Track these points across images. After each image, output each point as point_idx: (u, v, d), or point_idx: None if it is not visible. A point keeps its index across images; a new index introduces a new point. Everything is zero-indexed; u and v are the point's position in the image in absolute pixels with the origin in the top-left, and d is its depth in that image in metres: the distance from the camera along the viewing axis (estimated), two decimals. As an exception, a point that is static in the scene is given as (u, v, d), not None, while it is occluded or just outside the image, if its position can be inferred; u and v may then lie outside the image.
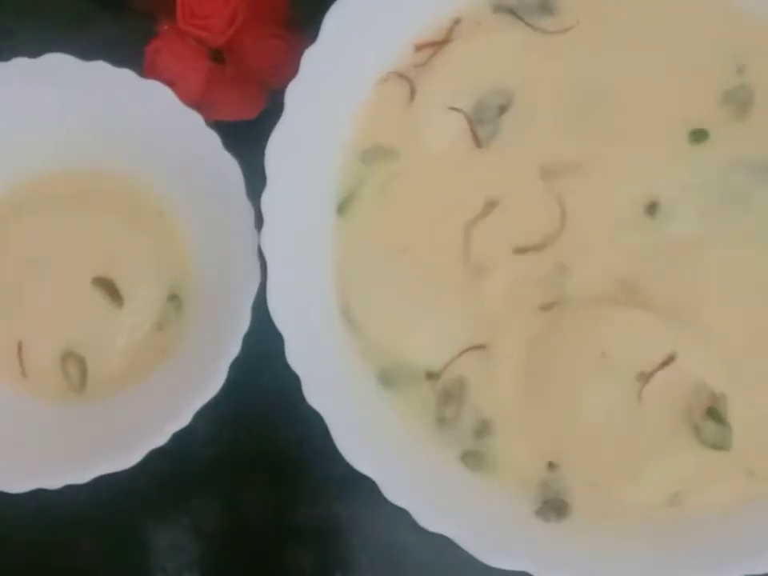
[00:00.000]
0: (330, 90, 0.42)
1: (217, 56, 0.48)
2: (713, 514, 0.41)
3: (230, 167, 0.43)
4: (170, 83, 0.43)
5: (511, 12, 0.45)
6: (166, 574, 0.47)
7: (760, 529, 0.40)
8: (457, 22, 0.45)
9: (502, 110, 0.44)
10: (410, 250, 0.43)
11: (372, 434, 0.41)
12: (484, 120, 0.44)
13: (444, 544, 0.39)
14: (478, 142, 0.44)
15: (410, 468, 0.41)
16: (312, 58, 0.40)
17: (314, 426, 0.39)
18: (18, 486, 0.40)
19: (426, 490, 0.40)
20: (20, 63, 0.43)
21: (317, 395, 0.39)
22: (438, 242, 0.43)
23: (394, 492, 0.39)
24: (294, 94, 0.40)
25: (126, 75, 0.43)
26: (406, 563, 0.47)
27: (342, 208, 0.44)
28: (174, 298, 0.45)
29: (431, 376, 0.43)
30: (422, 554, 0.46)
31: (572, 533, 0.41)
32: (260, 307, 0.40)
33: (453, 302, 0.43)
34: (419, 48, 0.44)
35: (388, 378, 0.43)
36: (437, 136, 0.44)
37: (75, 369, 0.44)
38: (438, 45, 0.44)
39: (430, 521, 0.38)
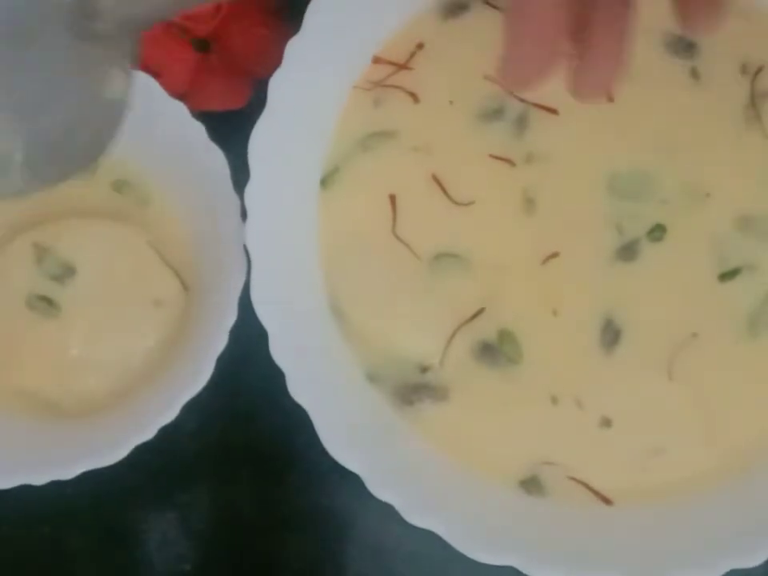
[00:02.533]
0: (314, 81, 0.41)
1: (202, 45, 0.47)
2: (700, 502, 0.41)
3: (216, 159, 0.42)
4: (154, 73, 0.43)
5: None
6: (153, 568, 0.47)
7: (747, 522, 0.40)
8: (420, 46, 0.44)
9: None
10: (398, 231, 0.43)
11: (357, 428, 0.40)
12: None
13: (432, 536, 0.38)
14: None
15: (395, 463, 0.40)
16: (295, 49, 0.40)
17: (301, 419, 0.39)
18: (2, 482, 0.40)
19: (412, 484, 0.40)
20: (2, 55, 0.43)
21: (301, 390, 0.39)
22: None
23: (380, 487, 0.38)
24: (277, 85, 0.40)
25: (110, 66, 0.43)
26: (394, 555, 0.47)
27: (326, 183, 0.44)
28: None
29: (425, 369, 0.43)
30: (411, 546, 0.46)
31: (558, 524, 0.41)
32: (247, 299, 0.40)
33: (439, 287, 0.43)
34: (378, 61, 0.44)
35: (375, 372, 0.42)
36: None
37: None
38: (396, 66, 0.44)
39: (415, 516, 0.38)
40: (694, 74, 0.44)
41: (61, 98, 0.34)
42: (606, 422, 0.42)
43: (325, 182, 0.44)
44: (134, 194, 0.45)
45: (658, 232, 0.43)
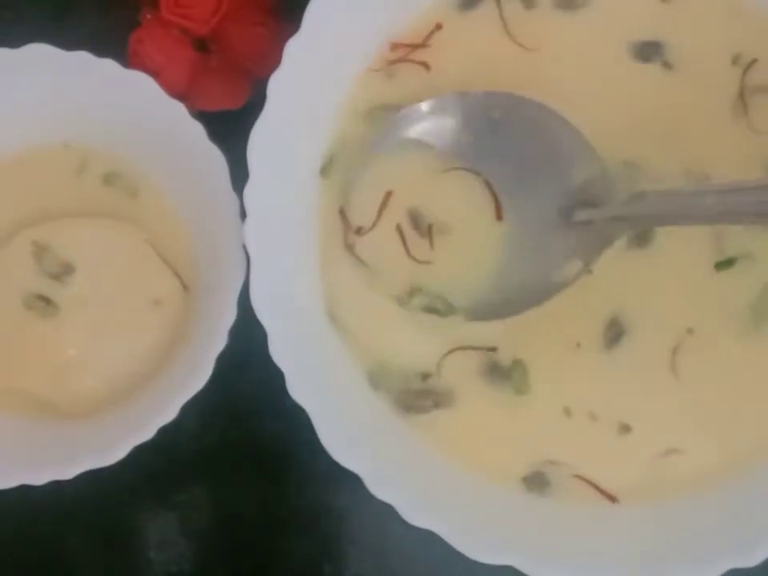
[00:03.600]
0: (313, 81, 0.41)
1: (201, 45, 0.47)
2: (700, 502, 0.41)
3: (215, 158, 0.42)
4: (153, 73, 0.43)
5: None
6: (152, 568, 0.47)
7: (747, 521, 0.40)
8: (438, 27, 0.44)
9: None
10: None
11: (357, 429, 0.40)
12: None
13: (432, 536, 0.38)
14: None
15: (395, 463, 0.40)
16: (294, 49, 0.40)
17: (301, 419, 0.39)
18: (2, 482, 0.40)
19: (411, 484, 0.40)
20: (1, 54, 0.43)
21: (300, 390, 0.39)
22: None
23: (379, 487, 0.38)
24: (276, 85, 0.40)
25: (109, 66, 0.42)
26: (393, 555, 0.47)
27: (324, 172, 0.43)
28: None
29: (426, 376, 0.42)
30: (410, 545, 0.46)
31: (559, 523, 0.41)
32: (247, 299, 0.40)
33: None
34: (395, 48, 0.44)
35: (376, 372, 0.42)
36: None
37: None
38: (413, 47, 0.44)
39: (415, 516, 0.38)
40: (666, 65, 0.43)
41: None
42: (625, 428, 0.42)
43: (324, 172, 0.43)
44: (128, 188, 0.45)
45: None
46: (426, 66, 0.44)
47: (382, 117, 0.43)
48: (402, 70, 0.44)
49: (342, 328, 0.43)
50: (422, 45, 0.44)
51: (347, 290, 0.43)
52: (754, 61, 0.43)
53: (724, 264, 0.42)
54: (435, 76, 0.44)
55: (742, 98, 0.43)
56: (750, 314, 0.42)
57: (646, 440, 0.42)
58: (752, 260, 0.42)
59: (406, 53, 0.44)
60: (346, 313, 0.43)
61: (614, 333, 0.42)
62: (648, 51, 0.44)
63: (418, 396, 0.42)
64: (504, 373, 0.42)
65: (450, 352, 0.42)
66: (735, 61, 0.43)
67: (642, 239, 0.42)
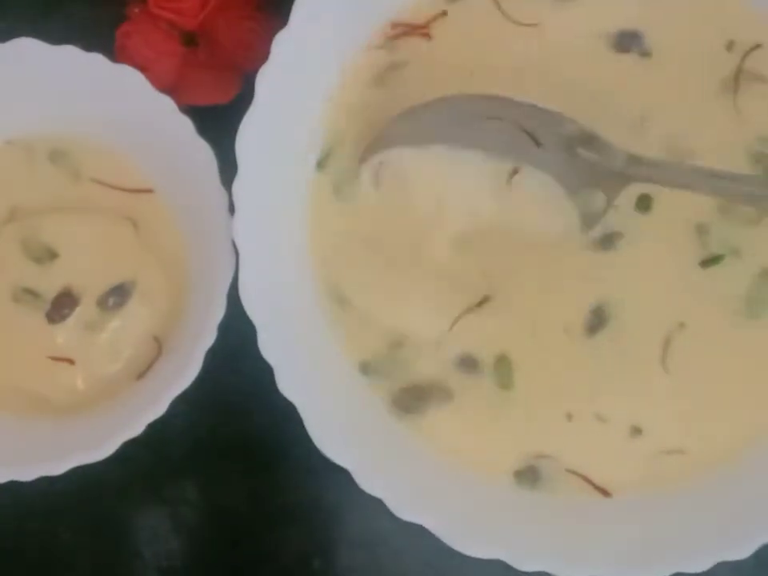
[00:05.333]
0: (301, 75, 0.41)
1: (189, 39, 0.47)
2: (689, 495, 0.41)
3: (203, 153, 0.42)
4: (141, 68, 0.42)
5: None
6: (143, 563, 0.47)
7: (736, 514, 0.40)
8: (444, 13, 0.44)
9: None
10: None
11: (346, 423, 0.40)
12: None
13: (421, 530, 0.39)
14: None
15: (384, 457, 0.40)
16: (282, 43, 0.40)
17: (290, 414, 0.39)
18: (-9, 478, 0.40)
19: (401, 479, 0.40)
20: (-12, 48, 0.43)
21: (290, 385, 0.39)
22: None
23: (369, 481, 0.38)
24: (265, 79, 0.39)
25: (97, 60, 0.42)
26: (384, 549, 0.47)
27: (320, 164, 0.44)
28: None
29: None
30: (400, 540, 0.46)
31: (547, 517, 0.41)
32: (236, 294, 0.40)
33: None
34: (395, 26, 0.44)
35: (369, 365, 0.43)
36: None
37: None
38: (412, 28, 0.44)
39: (404, 510, 0.38)
40: (645, 54, 0.43)
41: None
42: (637, 431, 0.42)
43: (320, 165, 0.44)
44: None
45: (645, 201, 0.42)
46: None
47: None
48: (392, 74, 0.44)
49: (350, 308, 0.43)
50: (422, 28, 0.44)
51: (351, 269, 0.43)
52: (757, 46, 0.43)
53: (710, 262, 0.42)
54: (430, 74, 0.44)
55: (737, 80, 0.43)
56: (744, 304, 0.42)
57: (652, 440, 0.42)
58: (737, 255, 0.42)
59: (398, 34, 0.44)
60: (351, 292, 0.43)
61: (599, 320, 0.42)
62: (627, 42, 0.43)
63: (409, 391, 0.42)
64: (487, 369, 0.42)
65: (456, 320, 0.42)
66: (730, 47, 0.43)
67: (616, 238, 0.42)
